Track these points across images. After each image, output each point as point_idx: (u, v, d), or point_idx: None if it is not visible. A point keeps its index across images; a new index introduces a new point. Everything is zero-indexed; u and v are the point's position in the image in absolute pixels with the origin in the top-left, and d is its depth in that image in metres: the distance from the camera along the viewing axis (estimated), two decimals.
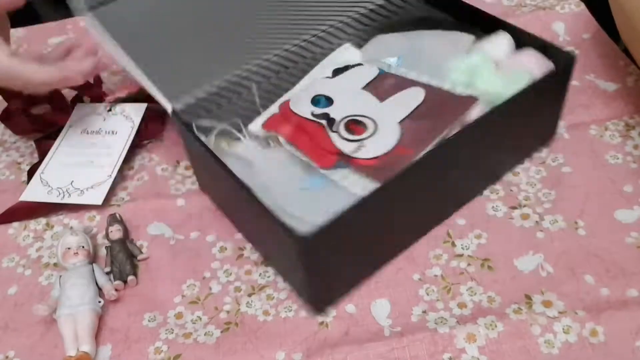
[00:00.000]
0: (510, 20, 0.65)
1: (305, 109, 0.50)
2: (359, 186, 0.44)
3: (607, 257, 0.45)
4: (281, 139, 0.48)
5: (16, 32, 0.78)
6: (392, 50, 0.54)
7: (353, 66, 0.53)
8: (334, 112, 0.49)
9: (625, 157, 0.51)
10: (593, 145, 0.52)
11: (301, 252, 0.38)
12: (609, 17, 0.56)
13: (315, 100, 0.50)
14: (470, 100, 0.47)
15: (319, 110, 0.49)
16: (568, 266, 0.45)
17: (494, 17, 0.53)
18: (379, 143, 0.46)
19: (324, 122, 0.48)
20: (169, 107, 0.48)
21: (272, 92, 0.54)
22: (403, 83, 0.51)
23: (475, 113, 0.46)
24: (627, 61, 0.60)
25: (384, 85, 0.51)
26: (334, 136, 0.47)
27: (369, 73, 0.52)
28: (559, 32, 0.64)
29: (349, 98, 0.50)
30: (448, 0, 0.55)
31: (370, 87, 0.51)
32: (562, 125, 0.54)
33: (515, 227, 0.48)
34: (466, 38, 0.53)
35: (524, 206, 0.49)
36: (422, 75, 0.51)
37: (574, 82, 0.58)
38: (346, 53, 0.56)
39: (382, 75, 0.52)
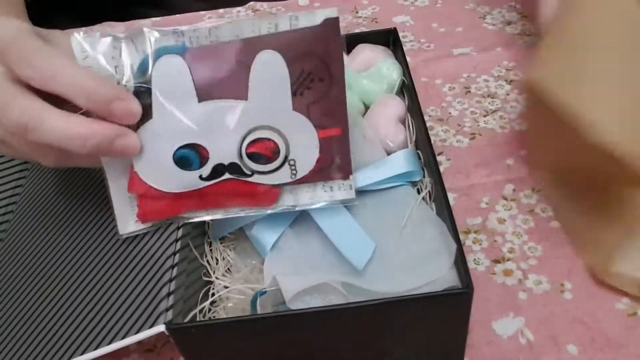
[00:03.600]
0: (512, 50, 0.62)
1: (184, 184, 0.38)
2: (334, 194, 0.40)
3: (594, 325, 0.41)
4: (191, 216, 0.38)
5: None
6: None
7: (143, 90, 0.37)
8: (219, 156, 0.38)
9: None
10: None
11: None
12: None
13: (183, 160, 0.38)
14: (332, 22, 0.37)
15: (206, 170, 0.38)
16: (550, 333, 0.41)
17: None
18: (303, 150, 0.39)
19: (227, 176, 0.39)
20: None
21: None
22: (240, 56, 0.37)
23: None
24: None
25: (214, 69, 0.37)
26: (256, 179, 0.39)
27: (175, 65, 0.37)
28: None
29: (212, 126, 0.38)
30: None
31: (205, 92, 0.37)
32: None
33: (497, 284, 0.44)
34: None
35: (508, 260, 0.46)
36: (241, 29, 0.37)
37: None
38: None
39: (193, 52, 0.37)
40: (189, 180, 0.39)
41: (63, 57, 0.35)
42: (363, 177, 0.44)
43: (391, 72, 0.50)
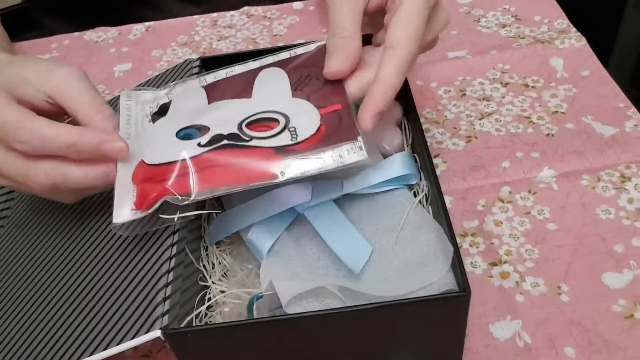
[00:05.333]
0: (507, 53, 0.63)
1: (181, 151, 0.38)
2: (332, 158, 0.37)
3: (590, 327, 0.41)
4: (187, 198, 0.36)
5: None
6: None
7: (166, 105, 0.43)
8: (219, 129, 0.39)
9: (618, 212, 0.48)
10: (584, 197, 0.49)
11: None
12: (612, 54, 0.52)
13: (185, 136, 0.40)
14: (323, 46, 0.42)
15: (205, 139, 0.39)
16: (547, 336, 0.41)
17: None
18: (304, 120, 0.39)
19: (225, 142, 0.38)
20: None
21: None
22: (247, 77, 0.43)
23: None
24: (627, 103, 0.56)
25: (228, 88, 0.43)
26: (255, 143, 0.38)
27: (196, 91, 0.43)
28: (557, 68, 0.60)
29: (217, 114, 0.41)
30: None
31: (215, 97, 0.42)
32: (551, 175, 0.51)
33: (494, 287, 0.44)
34: None
35: (505, 262, 0.46)
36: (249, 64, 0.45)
37: (568, 125, 0.55)
38: None
39: (213, 84, 0.44)
40: (187, 147, 0.39)
41: (42, 121, 0.37)
42: (359, 181, 0.44)
43: None
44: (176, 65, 0.54)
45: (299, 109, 0.40)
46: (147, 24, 0.74)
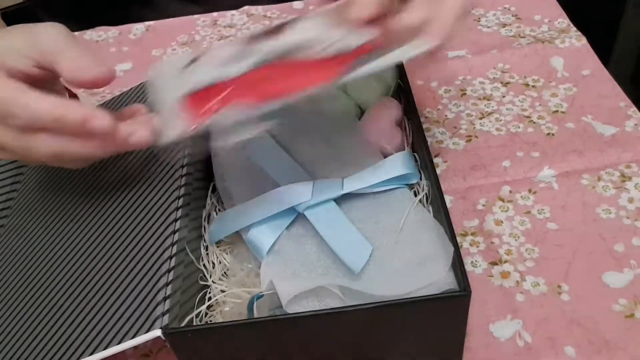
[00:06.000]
0: (507, 53, 0.63)
1: (224, 73, 0.37)
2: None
3: (591, 327, 0.41)
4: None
5: None
6: None
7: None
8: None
9: (618, 211, 0.48)
10: (584, 196, 0.49)
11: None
12: (612, 53, 0.52)
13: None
14: None
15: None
16: (548, 335, 0.41)
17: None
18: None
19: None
20: None
21: None
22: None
23: None
24: (628, 102, 0.56)
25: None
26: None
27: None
28: (558, 68, 0.60)
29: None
30: None
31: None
32: (551, 174, 0.51)
33: (494, 287, 0.44)
34: None
35: (505, 262, 0.46)
36: None
37: (568, 124, 0.55)
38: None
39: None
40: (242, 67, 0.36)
41: (32, 95, 0.37)
42: (360, 180, 0.44)
43: (387, 75, 0.50)
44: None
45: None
46: (147, 23, 0.74)
